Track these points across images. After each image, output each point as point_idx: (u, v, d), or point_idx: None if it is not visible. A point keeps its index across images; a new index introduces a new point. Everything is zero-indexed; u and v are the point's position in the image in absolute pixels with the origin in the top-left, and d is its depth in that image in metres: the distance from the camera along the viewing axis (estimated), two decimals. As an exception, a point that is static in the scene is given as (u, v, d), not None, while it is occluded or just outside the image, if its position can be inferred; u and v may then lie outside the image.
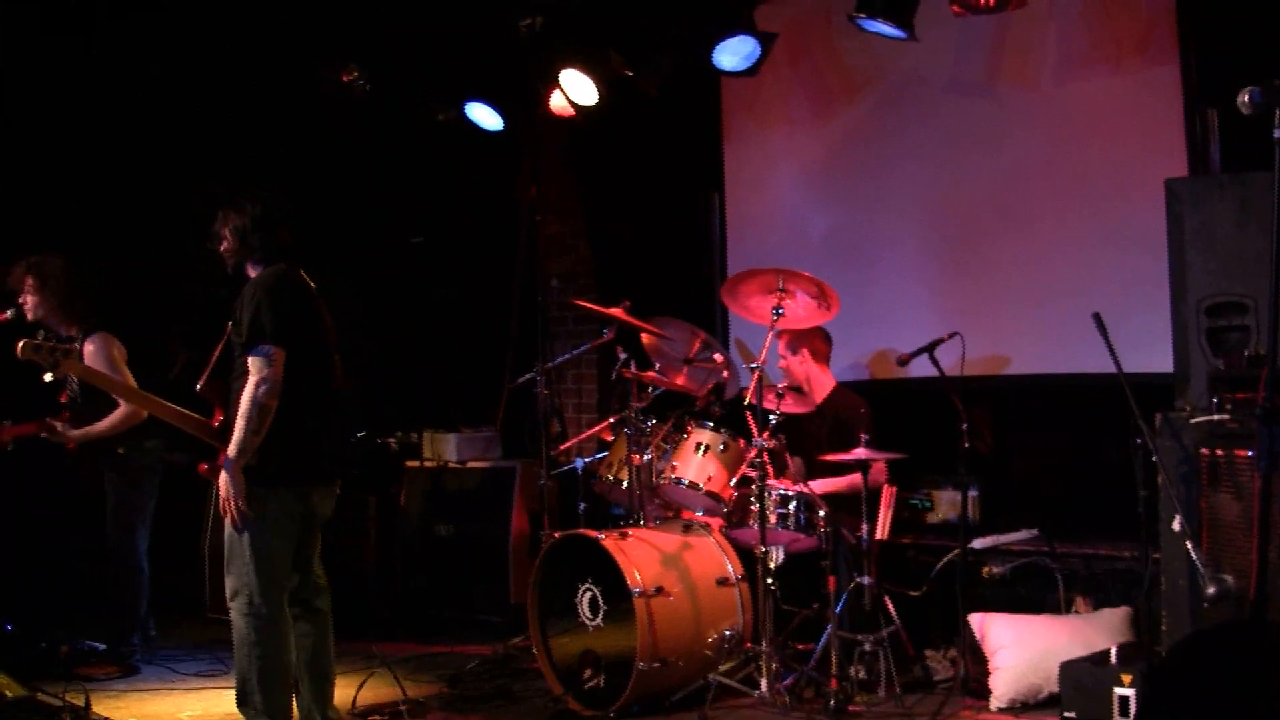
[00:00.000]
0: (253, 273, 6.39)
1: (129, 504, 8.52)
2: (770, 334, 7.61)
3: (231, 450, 6.02)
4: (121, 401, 8.09)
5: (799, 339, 8.43)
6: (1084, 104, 8.45)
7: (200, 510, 9.97)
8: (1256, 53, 7.07)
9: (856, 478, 7.65)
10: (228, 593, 6.29)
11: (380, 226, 11.25)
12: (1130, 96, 8.24)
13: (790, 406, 7.77)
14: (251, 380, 6.06)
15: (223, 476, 6.03)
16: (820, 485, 7.90)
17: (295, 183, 10.70)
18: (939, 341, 7.70)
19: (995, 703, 7.08)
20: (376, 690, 7.74)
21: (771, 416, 7.45)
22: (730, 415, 8.17)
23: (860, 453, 7.45)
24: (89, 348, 8.17)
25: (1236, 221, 6.14)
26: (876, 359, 9.39)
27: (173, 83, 10.20)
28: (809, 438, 8.26)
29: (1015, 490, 8.62)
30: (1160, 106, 8.08)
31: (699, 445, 7.63)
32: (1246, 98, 4.85)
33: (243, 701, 6.30)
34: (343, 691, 7.54)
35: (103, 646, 8.44)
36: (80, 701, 6.99)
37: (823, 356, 8.57)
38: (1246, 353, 5.98)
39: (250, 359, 6.09)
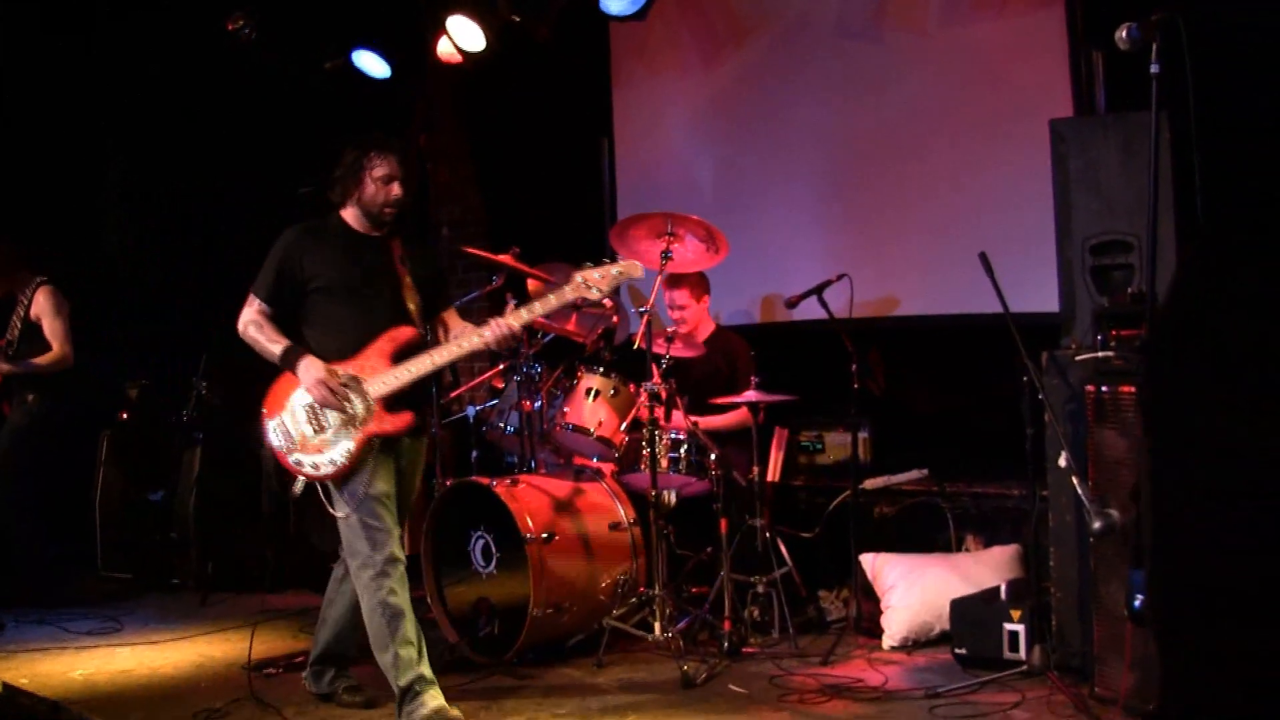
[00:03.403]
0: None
1: (15, 449, 9.03)
2: (659, 278, 7.59)
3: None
4: (56, 346, 8.97)
5: (701, 286, 8.44)
6: (970, 46, 8.48)
7: (90, 466, 9.91)
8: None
9: (741, 414, 7.69)
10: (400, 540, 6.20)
11: (269, 176, 11.12)
12: (1016, 39, 8.28)
13: (680, 350, 7.77)
14: None
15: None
16: (705, 423, 7.91)
17: (182, 133, 10.63)
18: (827, 283, 7.73)
19: (888, 641, 7.16)
20: (271, 643, 7.69)
21: (662, 360, 7.44)
22: (620, 360, 8.16)
23: (751, 395, 7.48)
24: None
25: (1120, 161, 6.19)
26: (766, 302, 9.42)
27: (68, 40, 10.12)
28: (695, 380, 8.26)
29: (906, 431, 8.65)
30: (1046, 48, 8.12)
31: (590, 391, 7.60)
32: (1124, 34, 4.89)
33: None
34: (241, 646, 7.54)
35: None
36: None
37: (707, 301, 8.59)
38: (1131, 290, 6.04)
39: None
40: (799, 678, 6.59)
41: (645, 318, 7.30)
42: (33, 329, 8.96)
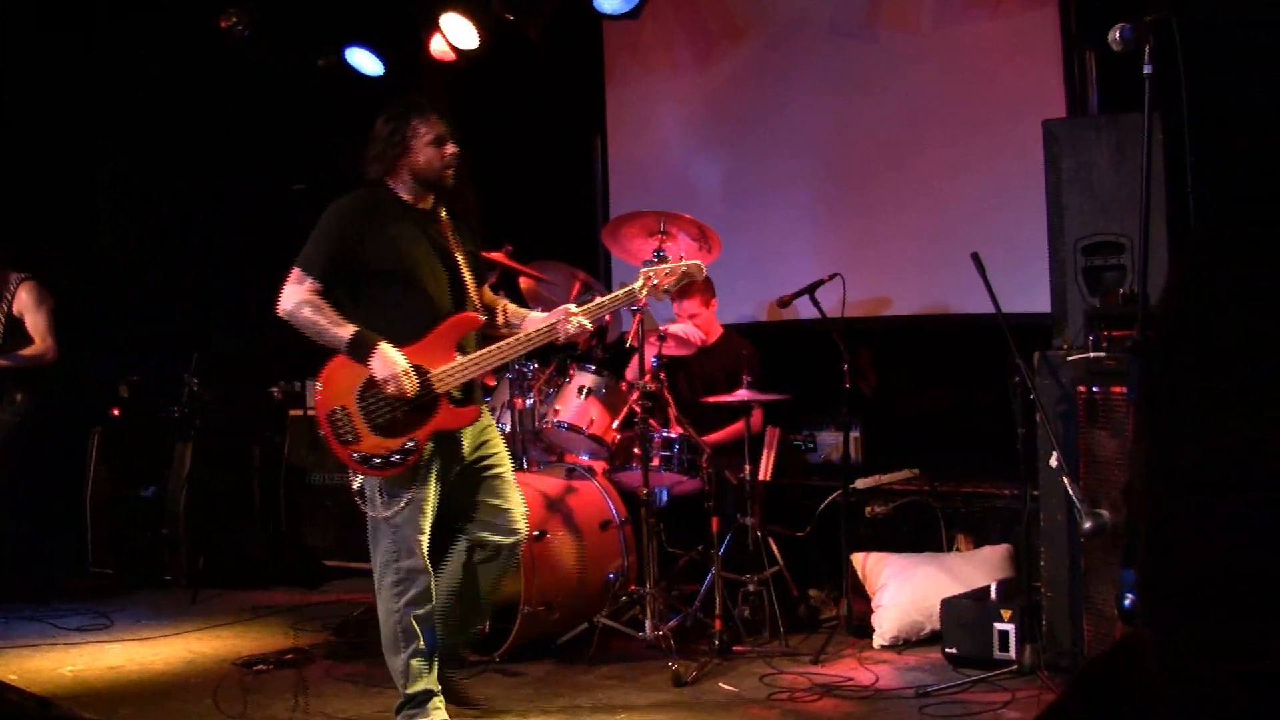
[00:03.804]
0: None
1: (5, 448, 9.03)
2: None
3: None
4: (39, 340, 9.00)
5: (709, 290, 8.41)
6: (964, 47, 8.51)
7: (82, 463, 9.91)
8: (1133, -2, 7.14)
9: (739, 427, 7.68)
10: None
11: (262, 173, 11.12)
12: (1010, 39, 8.30)
13: (672, 349, 7.78)
14: None
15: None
16: (708, 437, 7.91)
17: (176, 130, 10.63)
18: (820, 283, 7.73)
19: (878, 640, 7.16)
20: (262, 640, 7.70)
21: (653, 359, 7.45)
22: (613, 358, 8.17)
23: (743, 394, 7.47)
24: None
25: (1113, 162, 6.20)
26: (759, 302, 9.42)
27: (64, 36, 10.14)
28: (700, 380, 8.28)
29: (897, 430, 8.67)
30: (1039, 49, 8.15)
31: (581, 389, 7.59)
32: (1117, 34, 4.90)
33: None
34: (231, 643, 7.55)
35: None
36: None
37: (715, 304, 8.59)
38: (1122, 291, 6.05)
39: None
40: (789, 676, 6.59)
41: (637, 316, 7.31)
42: (15, 325, 8.97)
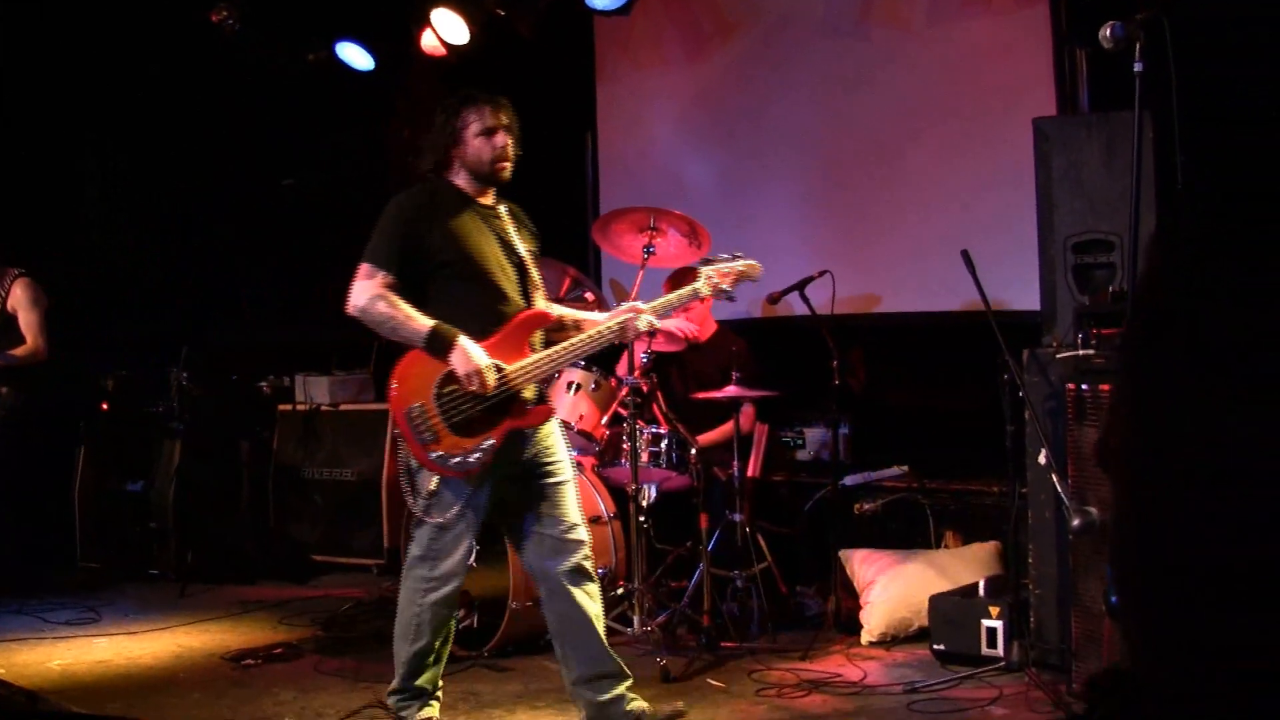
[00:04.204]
0: None
1: None
2: (641, 273, 7.60)
3: None
4: (30, 339, 9.01)
5: None
6: (956, 44, 8.50)
7: (69, 457, 9.89)
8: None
9: (730, 428, 7.68)
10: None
11: (251, 168, 11.11)
12: (1001, 37, 8.30)
13: (661, 345, 7.77)
14: None
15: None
16: (701, 438, 7.90)
17: (163, 124, 10.61)
18: (809, 279, 7.71)
19: (866, 636, 7.16)
20: (250, 634, 7.70)
21: (643, 355, 7.44)
22: (601, 354, 8.15)
23: (731, 390, 7.47)
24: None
25: (1103, 161, 6.21)
26: (749, 298, 9.40)
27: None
28: (693, 376, 8.26)
29: (886, 427, 8.66)
30: (1030, 46, 8.14)
31: (571, 384, 7.57)
32: (1108, 32, 4.90)
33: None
34: (220, 637, 7.54)
35: None
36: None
37: (710, 300, 8.56)
38: (1112, 289, 6.06)
39: None
40: (777, 672, 6.60)
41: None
42: (8, 321, 8.97)
